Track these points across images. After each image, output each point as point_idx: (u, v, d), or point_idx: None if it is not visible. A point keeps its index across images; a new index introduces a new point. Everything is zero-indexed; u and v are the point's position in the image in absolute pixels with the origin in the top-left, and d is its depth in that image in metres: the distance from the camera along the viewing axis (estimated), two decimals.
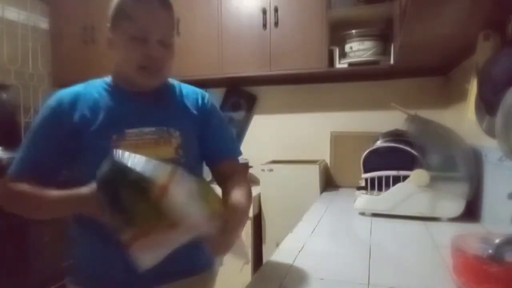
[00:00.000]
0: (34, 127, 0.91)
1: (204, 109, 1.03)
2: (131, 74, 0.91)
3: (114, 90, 0.95)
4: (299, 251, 1.11)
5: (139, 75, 0.91)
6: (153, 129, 0.92)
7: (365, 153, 1.60)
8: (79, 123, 0.88)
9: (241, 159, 2.61)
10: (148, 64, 0.90)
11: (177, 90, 1.03)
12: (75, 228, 0.94)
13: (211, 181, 1.10)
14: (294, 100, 2.42)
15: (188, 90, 1.04)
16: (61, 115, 0.89)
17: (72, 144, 0.88)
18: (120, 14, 0.89)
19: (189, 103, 1.01)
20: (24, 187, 0.85)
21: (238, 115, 2.53)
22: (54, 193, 0.84)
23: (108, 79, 0.98)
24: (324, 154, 2.31)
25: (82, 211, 0.84)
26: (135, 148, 0.87)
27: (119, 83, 0.96)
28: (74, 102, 0.90)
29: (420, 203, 1.43)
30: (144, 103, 0.95)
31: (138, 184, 0.67)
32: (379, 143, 1.63)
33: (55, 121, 0.89)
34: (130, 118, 0.91)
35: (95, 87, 0.95)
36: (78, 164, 0.90)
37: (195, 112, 1.00)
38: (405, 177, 1.47)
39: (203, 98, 1.04)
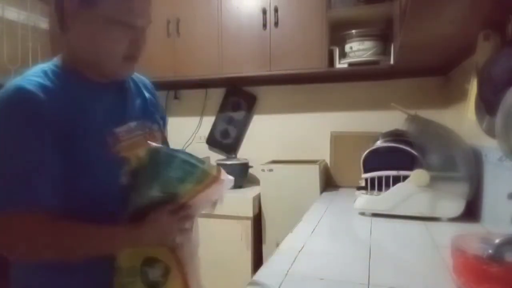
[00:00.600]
0: (8, 138, 0.68)
1: (154, 96, 0.97)
2: (113, 64, 0.78)
3: (77, 80, 0.78)
4: (299, 251, 1.11)
5: (123, 66, 0.79)
6: (135, 123, 0.83)
7: (365, 153, 1.60)
8: (64, 126, 0.71)
9: (241, 159, 2.62)
10: (134, 53, 0.79)
11: (130, 78, 0.91)
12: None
13: None
14: (294, 100, 2.42)
15: (137, 76, 0.95)
16: (42, 116, 0.69)
17: (57, 158, 0.70)
18: None
19: (145, 90, 0.94)
20: (42, 220, 0.67)
21: (238, 115, 2.53)
22: (86, 227, 0.71)
23: (56, 65, 0.78)
24: (324, 154, 2.31)
25: (121, 248, 0.75)
26: (132, 149, 0.80)
27: (83, 72, 0.79)
28: (49, 99, 0.70)
29: (420, 203, 1.43)
30: (114, 95, 0.83)
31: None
32: (379, 143, 1.63)
33: (37, 125, 0.68)
34: (112, 114, 0.80)
35: (58, 79, 0.75)
36: (67, 186, 0.71)
37: (153, 100, 0.95)
38: (405, 177, 1.47)
39: (148, 84, 0.98)
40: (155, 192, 0.77)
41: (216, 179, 0.79)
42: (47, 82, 0.72)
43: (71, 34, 0.77)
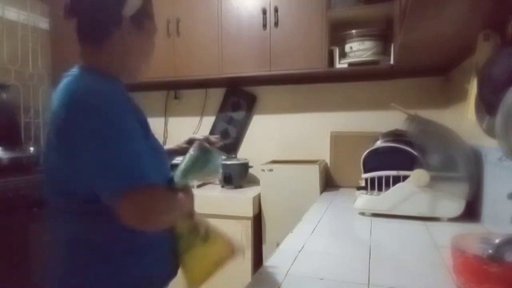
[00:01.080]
0: (106, 129, 0.73)
1: None
2: (146, 70, 0.94)
3: (118, 84, 0.86)
4: (299, 251, 1.11)
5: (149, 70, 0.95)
6: None
7: (365, 153, 1.60)
8: (135, 119, 0.80)
9: (241, 159, 2.62)
10: None
11: None
12: (95, 244, 0.80)
13: None
14: (294, 100, 2.42)
15: None
16: (125, 108, 0.79)
17: (144, 143, 0.82)
18: (143, 12, 0.88)
19: None
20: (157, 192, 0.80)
21: (238, 115, 2.53)
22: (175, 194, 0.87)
23: (87, 70, 0.84)
24: (324, 154, 2.31)
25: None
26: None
27: (119, 77, 0.88)
28: (121, 97, 0.81)
29: (420, 203, 1.43)
30: None
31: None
32: (379, 143, 1.63)
33: (128, 116, 0.78)
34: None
35: (111, 83, 0.83)
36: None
37: None
38: (405, 177, 1.47)
39: None
40: (194, 178, 0.95)
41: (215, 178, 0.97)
42: (101, 82, 0.80)
43: (116, 46, 0.85)
